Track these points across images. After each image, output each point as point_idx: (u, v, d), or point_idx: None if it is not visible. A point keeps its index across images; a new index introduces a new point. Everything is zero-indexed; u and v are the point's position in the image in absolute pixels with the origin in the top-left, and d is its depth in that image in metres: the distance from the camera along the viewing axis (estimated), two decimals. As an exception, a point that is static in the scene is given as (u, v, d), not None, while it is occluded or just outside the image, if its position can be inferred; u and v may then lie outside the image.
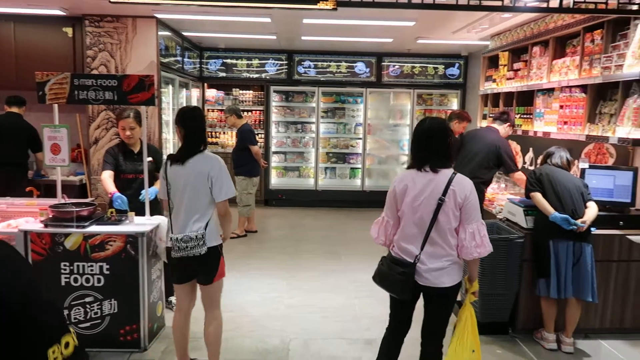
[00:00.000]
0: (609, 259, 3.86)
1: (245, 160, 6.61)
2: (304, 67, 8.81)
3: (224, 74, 8.79)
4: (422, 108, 9.02)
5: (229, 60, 8.77)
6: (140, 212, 3.74)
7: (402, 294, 2.66)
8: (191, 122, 3.01)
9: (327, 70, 8.82)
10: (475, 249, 2.59)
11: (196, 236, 2.88)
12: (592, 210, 3.60)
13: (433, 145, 2.65)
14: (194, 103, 8.25)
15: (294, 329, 4.01)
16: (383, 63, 8.80)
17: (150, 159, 3.88)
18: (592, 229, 3.68)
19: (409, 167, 2.74)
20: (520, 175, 4.67)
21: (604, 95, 4.44)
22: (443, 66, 8.86)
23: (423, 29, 6.47)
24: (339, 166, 9.18)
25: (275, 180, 9.11)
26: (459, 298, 2.98)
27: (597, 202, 3.71)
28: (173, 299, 4.33)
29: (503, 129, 5.00)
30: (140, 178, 3.87)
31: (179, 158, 2.97)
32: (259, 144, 8.97)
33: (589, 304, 3.72)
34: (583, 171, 4.17)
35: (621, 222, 3.95)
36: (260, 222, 7.41)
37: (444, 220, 2.57)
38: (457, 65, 8.85)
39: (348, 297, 4.70)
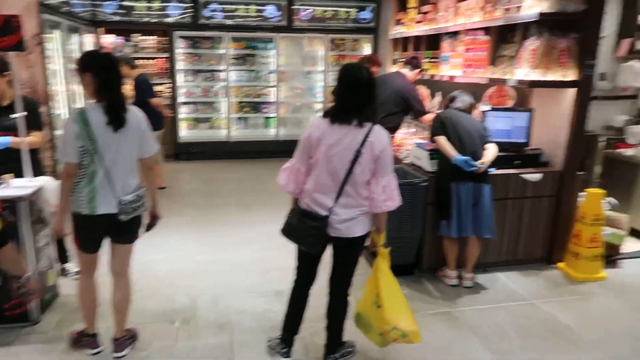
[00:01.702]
0: (505, 197, 4.04)
1: (146, 114, 6.12)
2: (210, 11, 8.24)
3: (121, 18, 8.01)
4: (335, 54, 8.85)
5: (126, 3, 7.98)
6: (21, 174, 3.34)
7: (313, 247, 2.57)
8: (108, 67, 2.60)
9: (236, 14, 8.32)
10: (384, 203, 2.54)
11: (143, 194, 2.78)
12: (491, 152, 3.70)
13: (367, 98, 2.48)
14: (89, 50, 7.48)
15: (203, 285, 3.87)
16: (294, 6, 8.44)
17: (24, 113, 3.43)
18: (491, 169, 3.80)
19: (329, 118, 2.50)
20: (430, 117, 4.71)
21: (505, 38, 4.51)
22: (355, 10, 8.67)
23: (331, -31, 6.19)
24: (252, 116, 8.89)
25: (185, 133, 8.66)
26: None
27: (496, 143, 3.81)
28: (69, 266, 4.01)
29: (413, 74, 4.98)
30: (8, 136, 3.39)
31: (118, 119, 2.59)
32: (166, 93, 8.43)
33: (488, 240, 3.90)
34: (484, 113, 4.27)
35: (517, 162, 4.12)
36: (169, 177, 7.06)
37: (358, 173, 2.48)
38: (369, 8, 8.69)
39: (259, 250, 4.62)
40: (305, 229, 2.54)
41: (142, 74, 6.27)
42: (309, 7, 8.50)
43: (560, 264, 4.21)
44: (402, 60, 5.57)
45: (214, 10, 8.25)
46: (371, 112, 2.51)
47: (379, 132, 2.50)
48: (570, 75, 3.93)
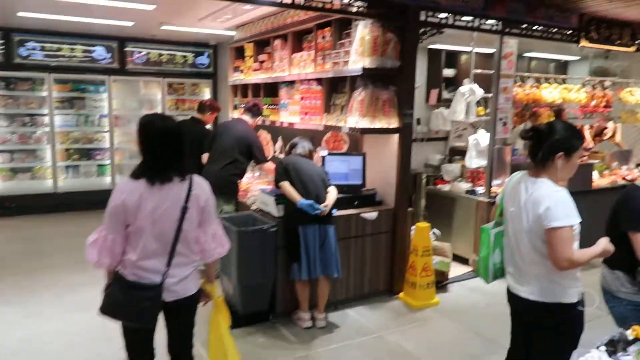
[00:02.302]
0: (348, 236, 4.31)
1: None
2: (27, 49, 7.45)
3: None
4: (174, 98, 8.64)
5: None
6: None
7: (150, 321, 2.32)
8: None
9: (59, 54, 7.65)
10: (215, 250, 2.48)
11: None
12: (332, 195, 3.93)
13: (180, 149, 2.34)
14: None
15: (30, 366, 3.35)
16: (126, 49, 8.08)
17: None
18: (334, 211, 4.02)
19: (146, 179, 2.27)
20: (269, 166, 4.84)
21: (336, 88, 4.90)
22: (192, 55, 8.63)
23: (166, 14, 6.11)
24: (83, 163, 8.14)
25: (1, 186, 7.56)
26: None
27: (335, 185, 4.07)
28: None
29: (254, 120, 5.10)
30: None
31: None
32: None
33: (336, 278, 4.08)
34: (323, 158, 4.54)
35: (356, 202, 4.44)
36: (-20, 238, 6.05)
37: (188, 229, 2.34)
38: (206, 54, 8.72)
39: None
40: (137, 302, 2.27)
41: None
42: (143, 49, 8.22)
43: (401, 295, 4.60)
44: (243, 106, 5.69)
45: (32, 49, 7.48)
46: (186, 161, 2.40)
47: (200, 183, 2.42)
48: (394, 122, 4.42)
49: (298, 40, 5.44)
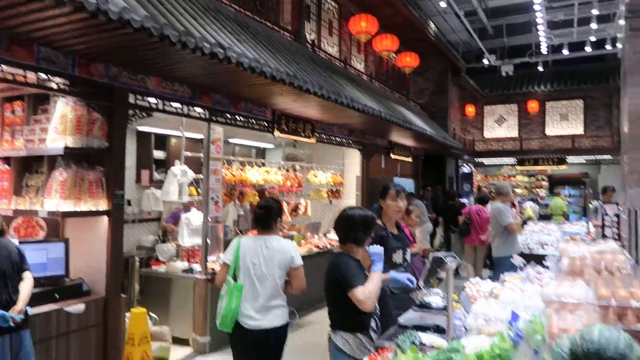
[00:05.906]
0: (49, 336, 3.69)
1: None
2: None
3: None
4: None
5: None
6: None
7: None
8: None
9: None
10: None
11: None
12: (25, 289, 3.31)
13: None
14: None
15: None
16: None
17: None
18: (28, 308, 3.40)
19: None
20: None
21: (29, 168, 4.34)
22: None
23: None
24: None
25: None
26: None
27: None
28: None
29: None
30: None
31: None
32: None
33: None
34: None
35: (57, 295, 3.89)
36: None
37: None
38: None
39: None
40: None
41: None
42: None
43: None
44: None
45: None
46: None
47: None
48: (102, 204, 4.14)
49: (-22, 112, 4.66)
